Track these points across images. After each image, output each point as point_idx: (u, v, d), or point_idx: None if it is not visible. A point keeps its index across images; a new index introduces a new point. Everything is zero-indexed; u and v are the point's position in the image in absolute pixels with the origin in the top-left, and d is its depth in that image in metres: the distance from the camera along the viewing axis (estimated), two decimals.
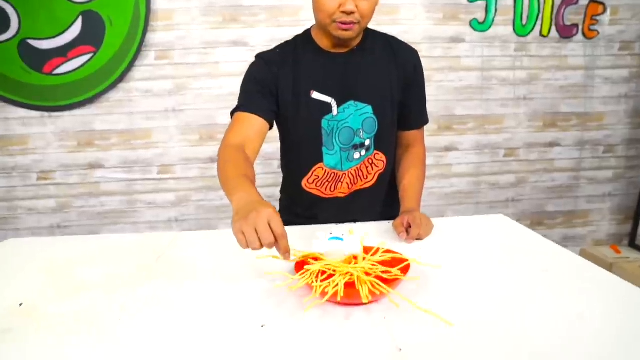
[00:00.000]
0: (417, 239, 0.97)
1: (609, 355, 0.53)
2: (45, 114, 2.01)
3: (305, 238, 0.84)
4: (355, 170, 1.12)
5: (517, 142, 2.24)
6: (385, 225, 1.08)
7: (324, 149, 1.10)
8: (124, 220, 2.14)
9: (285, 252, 0.70)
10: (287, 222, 1.19)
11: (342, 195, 1.15)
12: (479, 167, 2.25)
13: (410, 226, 0.97)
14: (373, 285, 0.64)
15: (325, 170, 1.11)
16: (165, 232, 1.02)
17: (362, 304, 0.66)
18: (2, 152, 2.03)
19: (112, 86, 2.00)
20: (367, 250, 0.79)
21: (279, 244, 0.69)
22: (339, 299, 0.62)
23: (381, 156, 1.14)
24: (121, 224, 2.14)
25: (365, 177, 1.14)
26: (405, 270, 0.71)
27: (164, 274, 0.83)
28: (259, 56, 1.09)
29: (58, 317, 0.68)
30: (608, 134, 2.28)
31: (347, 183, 1.13)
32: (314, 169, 1.11)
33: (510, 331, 0.59)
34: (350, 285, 0.67)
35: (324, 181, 1.13)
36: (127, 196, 2.13)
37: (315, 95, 1.06)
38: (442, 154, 2.21)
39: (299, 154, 1.13)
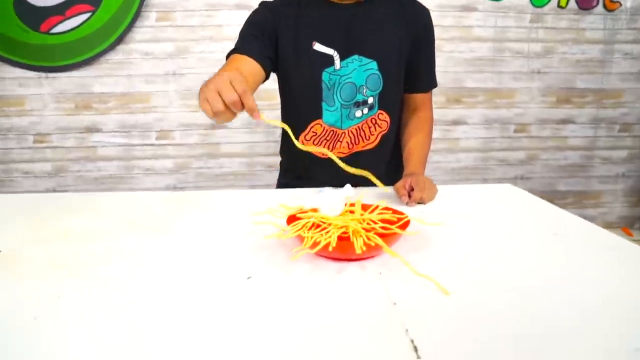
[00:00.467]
0: (419, 203, 0.93)
1: (627, 322, 0.49)
2: (43, 74, 1.96)
3: (300, 199, 0.80)
4: (356, 130, 1.07)
5: (528, 118, 2.18)
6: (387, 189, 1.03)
7: (323, 104, 1.05)
8: (121, 187, 2.11)
9: (252, 110, 0.67)
10: (286, 184, 1.19)
11: (342, 155, 1.10)
12: (488, 142, 2.19)
13: (412, 189, 0.93)
14: (368, 239, 0.60)
15: (324, 128, 1.07)
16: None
17: (356, 259, 0.62)
18: None
19: (111, 47, 1.95)
20: (365, 208, 0.75)
21: (244, 101, 0.65)
22: (330, 249, 0.58)
23: (385, 116, 1.08)
24: (118, 190, 2.11)
25: (367, 137, 1.09)
26: (404, 227, 0.67)
27: (150, 228, 0.80)
28: (262, 3, 1.04)
29: (34, 261, 0.64)
30: (625, 112, 2.21)
31: (347, 143, 1.08)
32: (312, 124, 1.07)
33: (514, 294, 0.55)
34: (344, 240, 0.63)
35: (322, 139, 1.08)
36: (124, 162, 2.09)
37: (317, 46, 1.00)
38: (450, 127, 2.15)
39: (297, 109, 1.08)
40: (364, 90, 1.04)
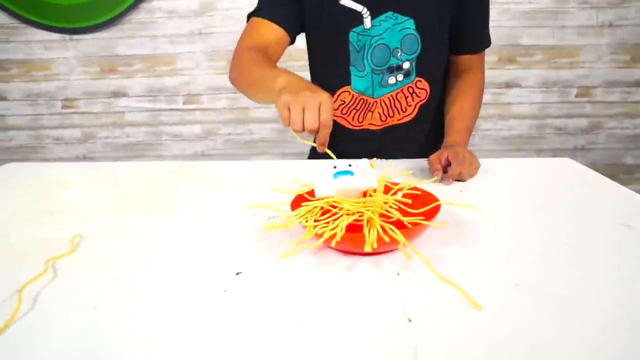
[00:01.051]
0: (457, 180, 0.79)
1: None
2: (67, 36, 1.92)
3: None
4: (389, 99, 0.94)
5: (594, 80, 1.93)
6: (419, 163, 0.90)
7: (351, 68, 0.92)
8: (149, 153, 2.07)
9: (321, 145, 0.65)
10: (319, 157, 1.07)
11: (374, 128, 0.98)
12: (545, 108, 1.97)
13: (449, 164, 0.80)
14: (385, 231, 0.49)
15: (353, 95, 0.94)
16: (172, 161, 0.90)
17: (372, 253, 0.51)
18: (26, 77, 1.99)
19: (134, 6, 1.87)
20: (388, 188, 0.63)
21: (320, 133, 0.63)
22: (333, 244, 0.47)
23: (424, 84, 0.94)
24: (147, 157, 2.08)
25: (403, 109, 0.96)
26: (432, 213, 0.55)
27: (148, 205, 0.72)
28: None
29: (20, 241, 0.58)
30: None
31: (380, 114, 0.96)
32: (339, 92, 0.95)
33: (574, 315, 0.42)
34: (357, 228, 0.52)
35: (351, 108, 0.96)
36: (152, 127, 2.05)
37: (344, 1, 0.87)
38: (502, 90, 1.95)
39: (323, 73, 0.97)
40: (399, 54, 0.90)
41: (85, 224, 0.64)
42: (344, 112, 0.97)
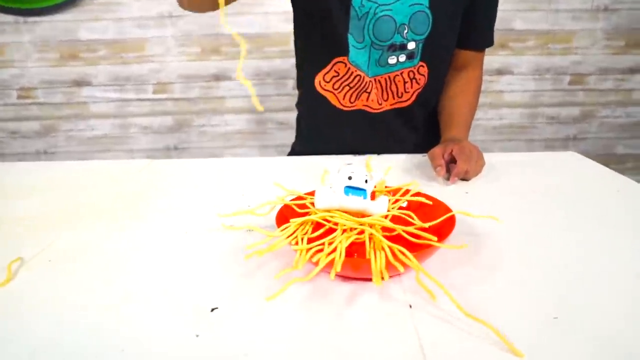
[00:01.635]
0: (462, 179, 0.72)
1: None
2: (20, 18, 1.77)
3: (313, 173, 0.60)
4: (385, 81, 0.86)
5: (587, 67, 1.88)
6: (419, 159, 0.82)
7: (349, 37, 0.82)
8: (117, 147, 1.95)
9: None
10: (301, 150, 0.97)
11: (369, 110, 0.89)
12: (537, 96, 1.92)
13: (452, 160, 0.72)
14: (395, 255, 0.40)
15: (349, 68, 0.85)
16: (142, 160, 0.79)
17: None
18: None
19: None
20: (392, 193, 0.55)
21: None
22: (332, 277, 0.39)
23: (426, 71, 0.86)
24: (115, 150, 1.95)
25: (399, 94, 0.87)
26: (447, 228, 0.47)
27: (107, 217, 0.62)
28: None
29: None
30: None
31: (376, 94, 0.87)
32: (334, 61, 0.85)
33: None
34: (357, 249, 0.44)
35: (344, 84, 0.87)
36: (119, 119, 1.92)
37: None
38: (493, 78, 1.88)
39: (318, 38, 0.85)
40: (405, 31, 0.82)
41: (27, 243, 0.54)
42: (335, 86, 0.87)
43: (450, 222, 0.48)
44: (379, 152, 0.87)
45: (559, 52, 1.85)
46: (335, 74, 0.86)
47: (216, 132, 1.93)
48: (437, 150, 0.75)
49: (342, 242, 0.42)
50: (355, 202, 0.47)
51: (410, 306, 0.40)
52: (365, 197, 0.48)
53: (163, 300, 0.42)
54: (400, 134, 0.92)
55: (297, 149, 1.01)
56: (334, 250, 0.41)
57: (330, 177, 0.50)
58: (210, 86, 1.86)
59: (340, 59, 0.84)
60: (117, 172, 0.81)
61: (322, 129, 0.94)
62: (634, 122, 1.97)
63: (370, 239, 0.44)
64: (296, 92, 1.00)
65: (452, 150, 0.73)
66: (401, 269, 0.39)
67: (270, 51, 1.77)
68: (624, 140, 2.00)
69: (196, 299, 0.42)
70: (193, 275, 0.46)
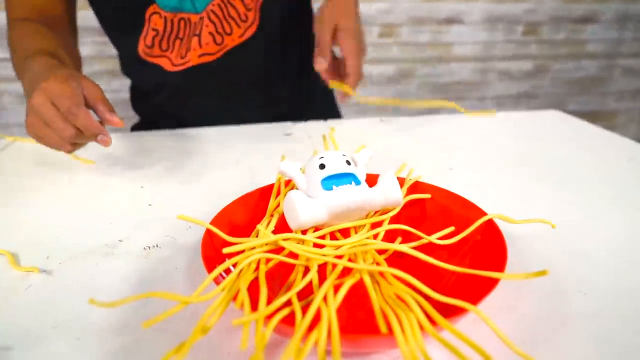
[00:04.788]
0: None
1: None
2: None
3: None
4: (219, 8, 0.68)
5: (540, 15, 1.82)
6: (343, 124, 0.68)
7: None
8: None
9: (100, 135, 0.47)
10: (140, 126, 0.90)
11: (208, 59, 0.72)
12: (489, 48, 1.83)
13: (336, 58, 0.69)
14: (431, 320, 0.25)
15: (165, 18, 0.68)
16: None
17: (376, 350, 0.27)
18: None
19: None
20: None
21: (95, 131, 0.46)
22: None
23: None
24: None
25: (242, 17, 0.70)
26: (496, 263, 0.32)
27: None
28: None
29: None
30: None
31: (213, 34, 0.70)
32: (147, 17, 0.68)
33: None
34: (354, 300, 0.28)
35: (173, 39, 0.70)
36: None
37: None
38: (442, 28, 1.76)
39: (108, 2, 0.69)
40: None
41: None
42: (164, 47, 0.70)
43: (487, 232, 0.33)
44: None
45: None
46: (155, 33, 0.69)
47: None
48: (325, 34, 0.65)
49: (329, 307, 0.25)
50: (348, 195, 0.35)
51: None
52: (358, 183, 0.36)
53: None
54: (260, 78, 0.77)
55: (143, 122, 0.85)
56: (317, 319, 0.24)
57: (295, 179, 0.34)
58: None
59: (151, 9, 0.67)
60: None
61: (149, 102, 0.80)
62: (585, 76, 1.97)
63: (375, 281, 0.28)
64: None
65: (337, 38, 0.65)
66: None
67: None
68: (575, 96, 2.00)
69: None
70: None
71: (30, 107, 0.46)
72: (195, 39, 0.69)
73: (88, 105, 0.47)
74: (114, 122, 0.46)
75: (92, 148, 0.60)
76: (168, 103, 0.78)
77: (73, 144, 0.48)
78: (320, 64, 0.64)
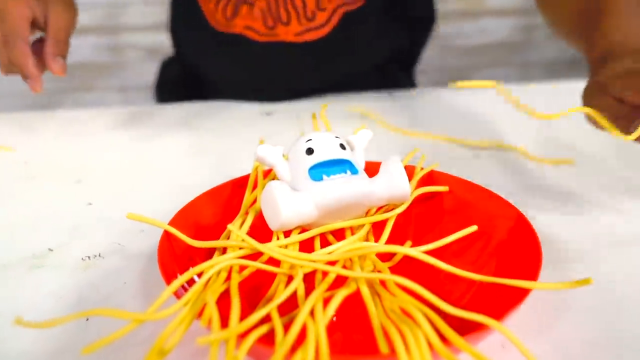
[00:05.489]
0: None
1: None
2: None
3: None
4: None
5: None
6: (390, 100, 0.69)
7: None
8: None
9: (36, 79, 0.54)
10: (175, 93, 0.87)
11: (254, 37, 0.76)
12: None
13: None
14: (444, 339, 0.27)
15: None
16: None
17: None
18: None
19: None
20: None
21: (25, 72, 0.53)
22: None
23: None
24: None
25: (309, 15, 0.74)
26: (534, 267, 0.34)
27: None
28: None
29: None
30: None
31: (263, 12, 0.73)
32: None
33: None
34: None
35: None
36: None
37: None
38: None
39: None
40: None
41: None
42: (250, 14, 0.73)
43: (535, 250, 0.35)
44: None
45: None
46: None
47: None
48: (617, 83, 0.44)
49: (316, 316, 0.27)
50: (342, 187, 0.36)
51: None
52: (355, 172, 0.38)
53: None
54: (351, 59, 0.82)
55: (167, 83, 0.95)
56: (301, 337, 0.26)
57: (275, 168, 0.36)
58: None
59: None
60: None
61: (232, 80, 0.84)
62: None
63: (374, 292, 0.30)
64: None
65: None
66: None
67: None
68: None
69: None
70: None
71: None
72: (245, 7, 0.72)
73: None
74: (53, 68, 0.52)
75: (11, 131, 0.61)
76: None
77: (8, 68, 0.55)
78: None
